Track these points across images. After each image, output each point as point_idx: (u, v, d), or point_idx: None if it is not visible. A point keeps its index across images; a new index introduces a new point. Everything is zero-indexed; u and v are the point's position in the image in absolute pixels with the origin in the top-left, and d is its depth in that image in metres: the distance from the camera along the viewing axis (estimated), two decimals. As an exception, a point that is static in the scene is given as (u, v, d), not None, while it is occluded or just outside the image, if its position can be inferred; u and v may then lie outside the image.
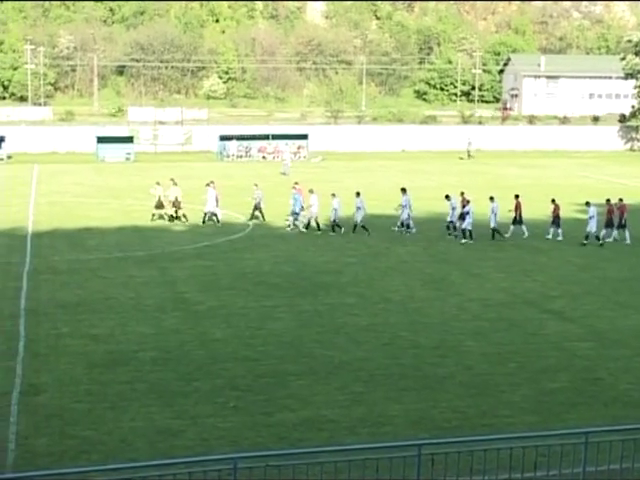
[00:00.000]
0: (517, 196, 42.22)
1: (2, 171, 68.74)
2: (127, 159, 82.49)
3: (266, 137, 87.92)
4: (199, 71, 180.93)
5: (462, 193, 42.18)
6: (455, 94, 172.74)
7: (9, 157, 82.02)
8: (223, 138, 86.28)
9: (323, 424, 18.57)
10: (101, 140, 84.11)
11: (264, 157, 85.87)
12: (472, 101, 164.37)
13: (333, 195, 42.88)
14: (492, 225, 40.91)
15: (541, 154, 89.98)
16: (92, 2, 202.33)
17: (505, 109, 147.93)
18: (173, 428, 18.21)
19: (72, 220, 44.85)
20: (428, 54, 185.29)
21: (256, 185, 45.72)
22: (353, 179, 61.20)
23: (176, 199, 44.10)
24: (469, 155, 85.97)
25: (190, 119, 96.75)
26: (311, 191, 42.94)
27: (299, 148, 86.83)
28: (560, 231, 41.16)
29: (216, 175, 55.51)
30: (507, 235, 41.42)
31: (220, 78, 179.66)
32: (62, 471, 14.42)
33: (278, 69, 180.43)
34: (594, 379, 21.72)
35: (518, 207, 41.66)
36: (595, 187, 59.56)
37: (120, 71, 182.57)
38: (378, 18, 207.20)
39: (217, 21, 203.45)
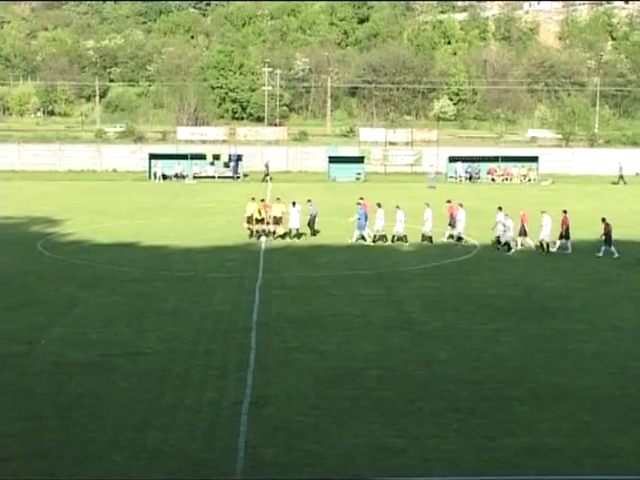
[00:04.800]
0: (605, 219, 41.98)
1: (238, 189, 71.45)
2: (357, 179, 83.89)
3: (495, 159, 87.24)
4: (430, 93, 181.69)
5: (500, 208, 43.82)
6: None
7: (245, 175, 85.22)
8: (452, 160, 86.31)
9: (546, 452, 18.23)
10: (333, 160, 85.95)
11: (493, 179, 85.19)
12: None
13: (397, 207, 44.75)
14: (540, 237, 42.55)
15: None
16: (327, 25, 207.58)
17: None
18: (395, 447, 18.34)
19: (303, 237, 46.09)
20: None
21: (309, 201, 47.54)
22: (582, 203, 59.84)
23: (275, 216, 46.10)
24: (621, 180, 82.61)
25: (420, 140, 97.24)
26: (379, 205, 44.94)
27: (529, 170, 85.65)
28: None
29: (442, 197, 55.41)
30: (553, 250, 42.53)
31: (450, 100, 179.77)
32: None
33: (509, 91, 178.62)
34: None
35: (607, 230, 41.48)
36: None
37: (352, 92, 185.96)
38: (614, 39, 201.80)
39: (449, 43, 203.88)
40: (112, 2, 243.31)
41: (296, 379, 22.53)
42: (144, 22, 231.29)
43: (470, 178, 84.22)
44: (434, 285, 34.88)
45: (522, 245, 43.41)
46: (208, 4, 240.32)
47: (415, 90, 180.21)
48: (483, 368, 23.74)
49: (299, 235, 46.03)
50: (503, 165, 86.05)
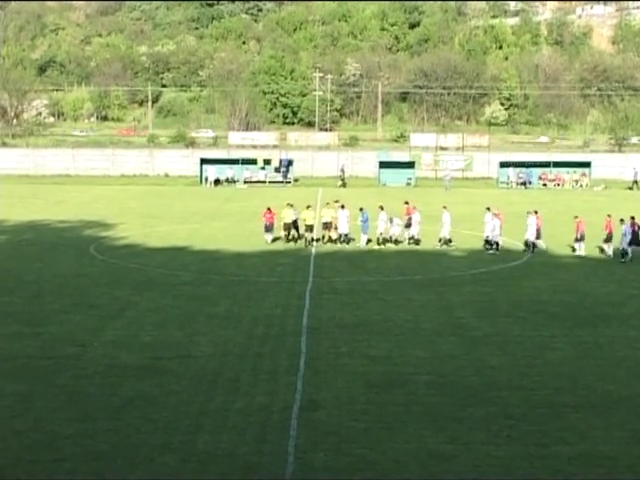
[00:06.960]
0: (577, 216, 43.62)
1: (289, 194, 71.57)
2: (408, 184, 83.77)
3: (547, 164, 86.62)
4: (481, 98, 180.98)
5: (488, 208, 45.08)
6: None
7: (296, 180, 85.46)
8: (503, 165, 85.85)
9: (600, 460, 17.99)
10: (383, 165, 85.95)
11: (544, 185, 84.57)
12: None
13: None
14: (526, 237, 44.03)
15: None
16: (379, 31, 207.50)
17: None
18: (446, 453, 18.23)
19: (353, 242, 46.08)
20: None
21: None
22: (634, 209, 58.99)
23: (325, 221, 46.75)
24: (636, 185, 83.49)
25: (471, 145, 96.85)
26: (381, 207, 46.23)
27: (581, 176, 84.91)
28: None
29: (494, 202, 55.16)
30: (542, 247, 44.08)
31: (502, 105, 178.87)
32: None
33: (561, 96, 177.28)
34: None
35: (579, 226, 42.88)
36: None
37: (403, 97, 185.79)
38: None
39: (500, 47, 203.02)
40: (165, 8, 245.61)
41: (346, 384, 22.48)
42: (196, 28, 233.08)
43: (524, 184, 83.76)
44: (485, 290, 34.68)
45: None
46: (260, 10, 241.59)
47: (466, 95, 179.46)
48: (535, 375, 23.53)
49: (348, 240, 46.02)
50: (555, 170, 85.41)
